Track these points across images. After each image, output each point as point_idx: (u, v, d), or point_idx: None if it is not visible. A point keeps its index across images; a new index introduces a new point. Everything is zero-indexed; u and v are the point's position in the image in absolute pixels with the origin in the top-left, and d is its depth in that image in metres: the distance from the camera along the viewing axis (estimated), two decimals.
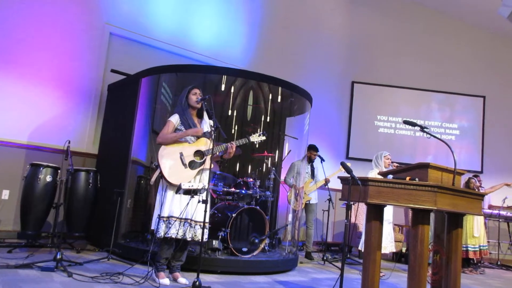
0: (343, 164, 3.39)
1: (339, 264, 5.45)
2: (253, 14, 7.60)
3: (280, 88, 5.37)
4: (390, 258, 6.79)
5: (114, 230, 4.32)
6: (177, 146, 3.56)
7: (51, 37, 5.43)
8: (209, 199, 3.34)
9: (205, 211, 3.28)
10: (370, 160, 5.49)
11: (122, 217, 4.59)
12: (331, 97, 8.48)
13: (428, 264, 2.92)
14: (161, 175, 3.49)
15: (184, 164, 3.52)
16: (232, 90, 5.58)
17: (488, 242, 6.72)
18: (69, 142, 4.48)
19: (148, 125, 5.15)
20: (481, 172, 8.61)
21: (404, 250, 6.69)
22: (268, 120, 6.04)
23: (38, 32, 5.33)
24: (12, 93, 5.12)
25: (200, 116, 3.74)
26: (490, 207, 7.66)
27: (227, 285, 3.67)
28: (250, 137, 3.79)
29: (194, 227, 3.43)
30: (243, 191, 4.95)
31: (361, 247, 5.21)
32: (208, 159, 3.57)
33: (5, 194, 4.98)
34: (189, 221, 3.42)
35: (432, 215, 3.06)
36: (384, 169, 5.18)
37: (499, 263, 7.36)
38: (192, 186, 3.36)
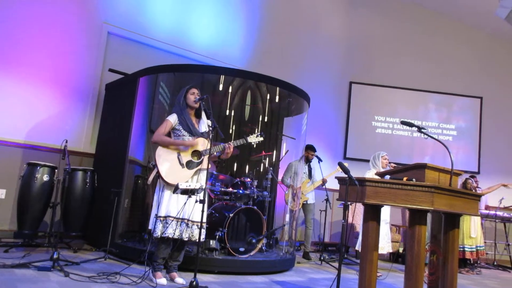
0: (340, 164, 3.39)
1: (336, 264, 5.45)
2: (252, 14, 7.60)
3: (278, 88, 5.37)
4: (387, 258, 6.80)
5: (111, 230, 4.32)
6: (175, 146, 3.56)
7: (49, 37, 5.42)
8: (206, 199, 3.34)
9: (202, 211, 3.28)
10: (368, 161, 5.51)
11: (119, 216, 4.58)
12: (329, 97, 8.49)
13: (425, 264, 2.93)
14: (158, 175, 3.49)
15: (181, 164, 3.52)
16: (230, 90, 5.58)
17: (485, 242, 6.74)
18: (66, 142, 4.47)
19: (146, 125, 5.15)
20: (478, 172, 8.64)
21: (401, 250, 6.70)
22: (266, 120, 6.04)
23: (36, 32, 5.31)
24: (9, 92, 5.10)
25: (198, 116, 3.74)
26: (487, 207, 7.68)
27: (224, 285, 3.67)
28: (248, 137, 3.79)
29: (191, 227, 3.43)
30: (240, 191, 4.96)
31: (358, 247, 5.23)
32: (205, 159, 3.57)
33: (2, 193, 4.96)
34: (186, 221, 3.42)
35: (429, 216, 3.07)
36: (382, 170, 5.20)
37: (495, 263, 7.38)
38: (190, 186, 3.36)
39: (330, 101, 8.50)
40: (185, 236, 3.41)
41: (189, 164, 3.54)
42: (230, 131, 6.01)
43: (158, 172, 3.48)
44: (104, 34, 5.89)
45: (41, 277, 3.23)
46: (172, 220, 3.39)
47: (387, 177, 3.15)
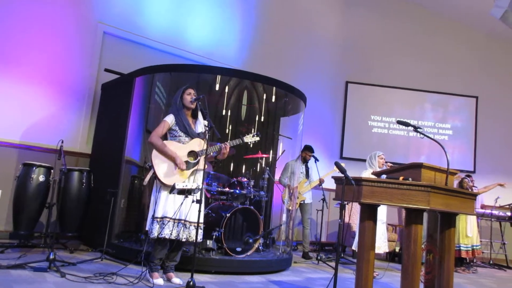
0: (337, 164, 3.40)
1: (333, 264, 5.46)
2: (247, 13, 7.59)
3: (274, 88, 5.37)
4: (384, 257, 6.82)
5: (107, 230, 4.31)
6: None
7: (44, 36, 5.39)
8: (203, 199, 3.34)
9: (199, 211, 3.27)
10: (364, 160, 5.52)
11: (115, 217, 4.57)
12: (325, 97, 8.50)
13: (421, 263, 2.94)
14: (155, 176, 3.48)
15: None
16: (226, 90, 5.58)
17: (481, 241, 6.77)
18: (62, 142, 4.45)
19: (142, 125, 5.14)
20: (474, 172, 8.67)
21: (397, 249, 6.72)
22: (262, 120, 6.04)
23: (30, 31, 5.29)
24: (4, 92, 5.08)
25: (195, 116, 3.74)
26: (483, 206, 7.73)
27: (221, 285, 3.67)
28: (244, 137, 3.79)
29: (189, 227, 3.43)
30: (237, 191, 4.95)
31: (354, 246, 5.23)
32: (202, 159, 3.57)
33: None
34: (183, 221, 3.42)
35: (425, 215, 3.08)
36: (378, 169, 5.21)
37: (491, 262, 7.42)
38: (186, 186, 3.35)
39: (326, 101, 8.51)
40: (183, 237, 3.40)
41: (185, 165, 3.54)
42: (227, 131, 6.01)
43: (154, 173, 3.47)
44: (99, 34, 5.87)
45: (37, 278, 3.21)
46: (169, 221, 3.39)
47: (384, 176, 3.15)
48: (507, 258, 7.56)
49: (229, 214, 4.45)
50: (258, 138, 3.83)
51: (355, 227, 6.27)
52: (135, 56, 6.10)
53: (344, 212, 3.06)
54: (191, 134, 3.61)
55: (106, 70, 5.63)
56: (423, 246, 3.12)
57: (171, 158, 3.51)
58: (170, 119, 3.60)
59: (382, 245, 5.13)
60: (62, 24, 5.55)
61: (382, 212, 5.12)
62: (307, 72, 8.16)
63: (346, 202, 3.01)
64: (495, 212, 7.49)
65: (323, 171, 6.05)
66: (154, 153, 3.52)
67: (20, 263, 3.52)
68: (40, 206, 4.51)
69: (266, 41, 7.74)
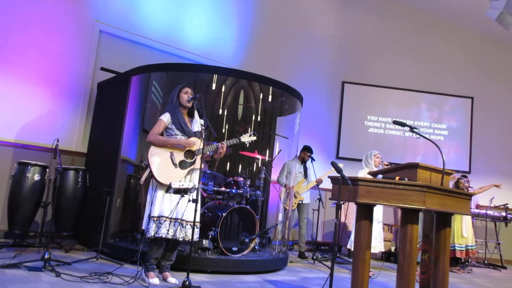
0: (333, 164, 3.40)
1: (329, 264, 5.47)
2: (244, 13, 7.59)
3: (271, 88, 5.37)
4: (379, 257, 6.84)
5: (103, 230, 4.29)
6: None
7: (39, 35, 5.36)
8: (199, 198, 3.33)
9: (195, 211, 3.27)
10: (360, 160, 5.53)
11: (111, 216, 4.56)
12: (322, 97, 8.51)
13: (417, 263, 2.95)
14: (151, 175, 3.47)
15: (174, 164, 3.51)
16: (223, 89, 5.57)
17: (476, 241, 6.80)
18: (57, 141, 4.43)
19: (138, 124, 5.12)
20: (469, 172, 8.71)
21: (393, 249, 6.73)
22: (259, 119, 6.04)
23: (26, 30, 5.26)
24: None
25: (191, 115, 3.73)
26: (478, 206, 7.75)
27: (217, 284, 3.66)
28: (241, 137, 3.79)
29: (185, 227, 3.42)
30: (233, 190, 4.95)
31: (350, 246, 5.25)
32: (198, 159, 3.56)
33: None
34: (179, 220, 3.41)
35: (420, 215, 3.09)
36: (375, 168, 5.23)
37: (486, 262, 7.46)
38: (182, 185, 3.35)
39: (322, 101, 8.53)
40: (180, 236, 3.40)
41: (182, 164, 3.53)
42: (223, 131, 6.00)
43: (150, 172, 3.47)
44: (96, 33, 5.85)
45: (32, 277, 3.20)
46: (165, 220, 3.38)
47: (380, 176, 3.16)
48: (502, 258, 7.59)
49: (225, 214, 4.45)
50: (254, 138, 3.83)
51: (351, 226, 6.28)
52: (131, 55, 6.08)
53: (340, 211, 3.06)
54: (187, 133, 3.60)
55: (102, 68, 5.60)
56: (418, 246, 3.13)
57: (176, 143, 3.52)
58: (166, 117, 3.59)
59: (377, 244, 5.14)
60: (59, 22, 5.53)
61: (378, 211, 5.14)
62: (303, 72, 8.17)
63: (342, 202, 3.01)
64: (490, 212, 7.52)
65: (319, 171, 6.06)
66: (151, 152, 3.51)
67: (15, 262, 3.51)
68: (35, 205, 4.48)
69: (263, 40, 7.74)
